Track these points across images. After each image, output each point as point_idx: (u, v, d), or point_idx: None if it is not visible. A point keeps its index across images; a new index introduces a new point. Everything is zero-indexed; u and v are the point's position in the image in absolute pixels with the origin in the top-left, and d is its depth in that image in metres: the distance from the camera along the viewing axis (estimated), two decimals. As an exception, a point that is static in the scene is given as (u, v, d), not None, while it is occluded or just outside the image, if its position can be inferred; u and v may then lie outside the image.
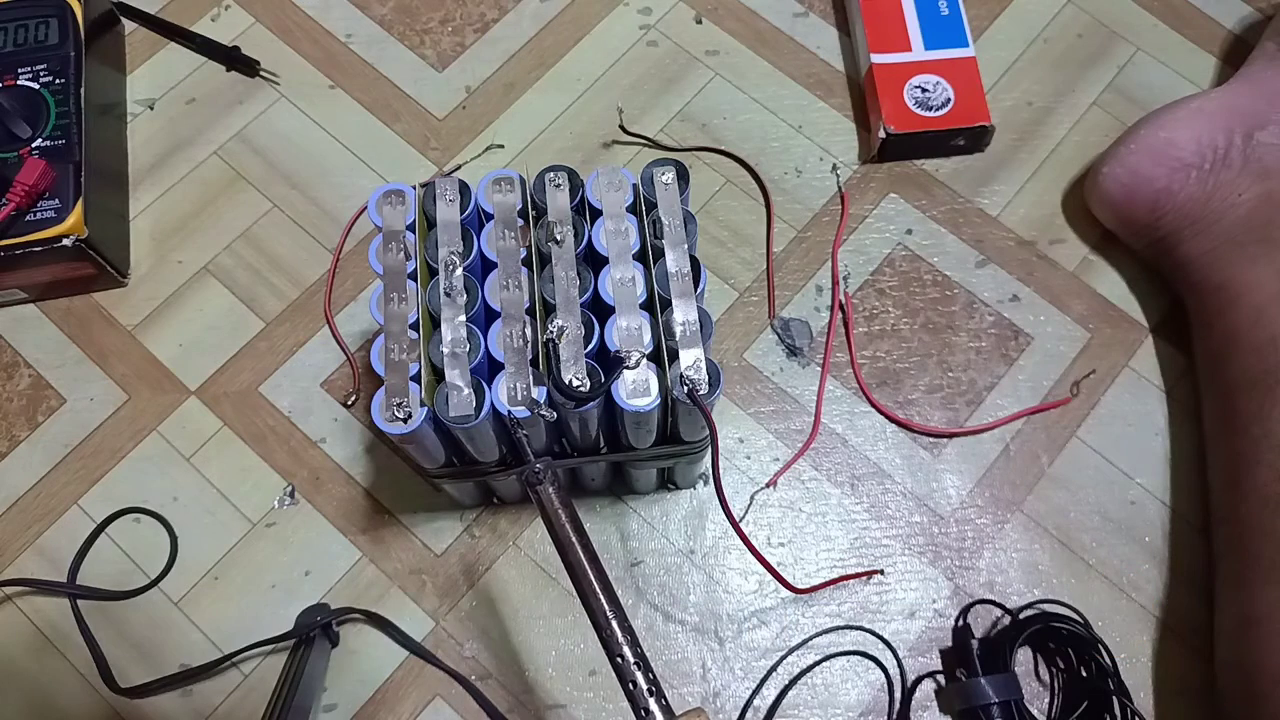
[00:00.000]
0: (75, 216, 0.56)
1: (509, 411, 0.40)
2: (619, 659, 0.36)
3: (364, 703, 0.52)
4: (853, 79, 0.65)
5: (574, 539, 0.37)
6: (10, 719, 0.52)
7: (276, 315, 0.60)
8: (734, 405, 0.57)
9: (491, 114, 0.64)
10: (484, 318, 0.43)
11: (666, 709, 0.35)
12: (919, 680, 0.52)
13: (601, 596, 0.37)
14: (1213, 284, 0.55)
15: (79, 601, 0.53)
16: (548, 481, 0.38)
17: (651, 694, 0.35)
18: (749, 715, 0.52)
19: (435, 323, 0.42)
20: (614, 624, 0.36)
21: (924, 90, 0.61)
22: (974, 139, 0.62)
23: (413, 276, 0.42)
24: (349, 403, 0.58)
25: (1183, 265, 0.56)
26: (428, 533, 0.55)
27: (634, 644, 0.36)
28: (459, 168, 0.63)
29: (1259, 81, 0.58)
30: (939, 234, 0.61)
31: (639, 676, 0.36)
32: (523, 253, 0.43)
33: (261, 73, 0.65)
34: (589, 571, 0.37)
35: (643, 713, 0.35)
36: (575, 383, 0.40)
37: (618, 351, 0.41)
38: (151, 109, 0.65)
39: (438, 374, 0.41)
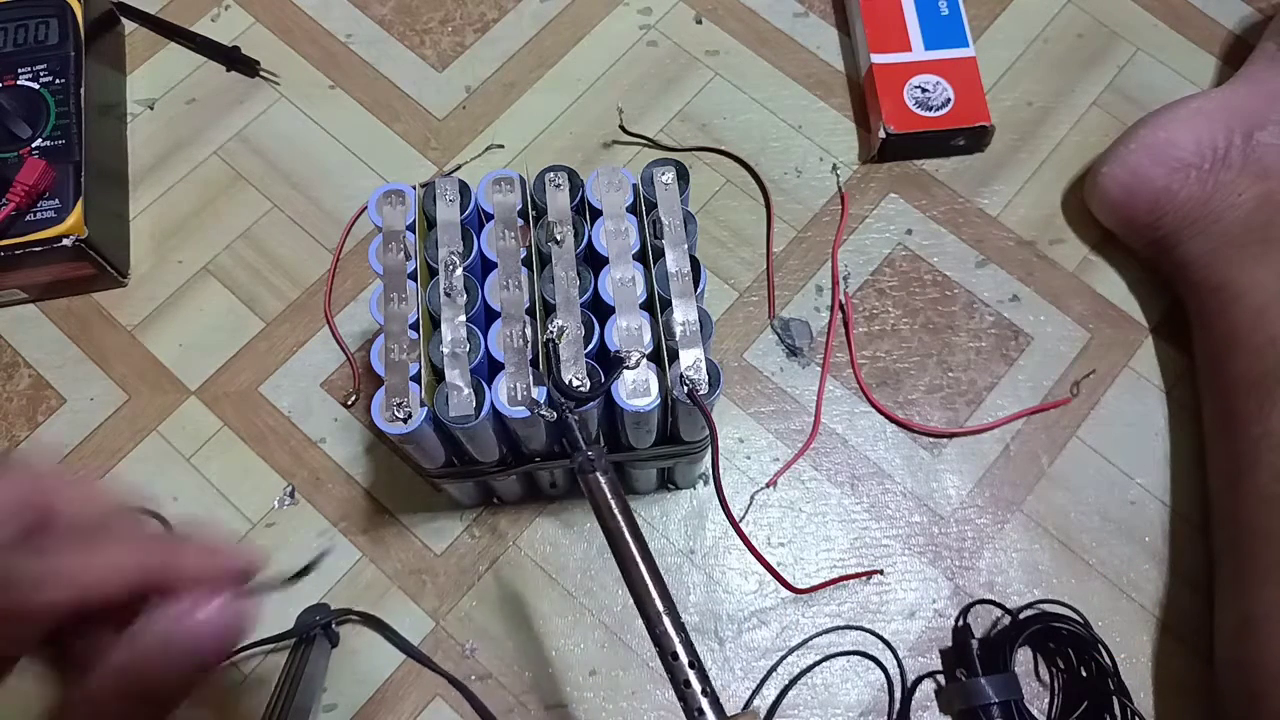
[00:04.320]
0: (75, 216, 0.56)
1: (560, 398, 0.38)
2: (672, 657, 0.34)
3: (364, 703, 0.52)
4: (853, 79, 0.65)
5: (625, 530, 0.36)
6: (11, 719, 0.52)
7: (276, 315, 0.60)
8: (734, 405, 0.57)
9: (491, 114, 0.64)
10: (484, 318, 0.43)
11: (719, 710, 0.34)
12: (919, 680, 0.52)
13: (654, 591, 0.35)
14: (1213, 284, 0.54)
15: (79, 601, 0.53)
16: (600, 470, 0.37)
17: (705, 694, 0.34)
18: (749, 715, 0.52)
19: (435, 323, 0.42)
20: (666, 620, 0.34)
21: (924, 90, 0.61)
22: (974, 139, 0.62)
23: (413, 276, 0.42)
24: (349, 403, 0.58)
25: (1183, 265, 0.56)
26: (428, 533, 0.55)
27: (687, 642, 0.34)
28: (459, 168, 0.63)
29: (1259, 81, 0.58)
30: (939, 234, 0.61)
31: (692, 676, 0.34)
32: (523, 253, 0.43)
33: (261, 73, 0.65)
34: (640, 564, 0.35)
35: (696, 713, 0.33)
36: (575, 383, 0.40)
37: (618, 351, 0.41)
38: (151, 109, 0.65)
39: (438, 374, 0.41)
